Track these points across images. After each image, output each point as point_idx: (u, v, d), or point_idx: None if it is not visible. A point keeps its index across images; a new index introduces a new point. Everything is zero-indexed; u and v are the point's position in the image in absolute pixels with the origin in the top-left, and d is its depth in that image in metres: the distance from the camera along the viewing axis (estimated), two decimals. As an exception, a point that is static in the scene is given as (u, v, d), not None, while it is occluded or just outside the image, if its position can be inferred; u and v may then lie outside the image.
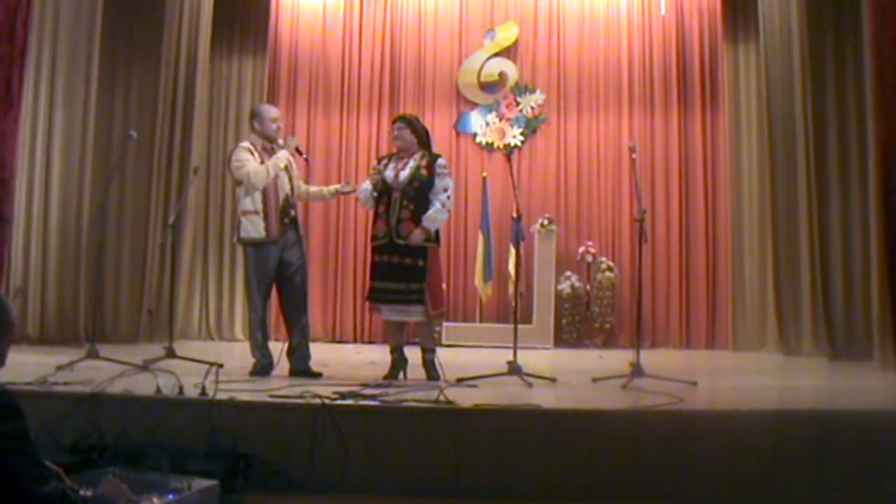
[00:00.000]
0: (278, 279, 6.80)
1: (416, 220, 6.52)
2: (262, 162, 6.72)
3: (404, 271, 6.52)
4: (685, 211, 11.28)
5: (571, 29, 11.76)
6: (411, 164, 6.66)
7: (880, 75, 7.82)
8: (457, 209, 11.35)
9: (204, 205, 11.23)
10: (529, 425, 4.88)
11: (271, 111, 7.08)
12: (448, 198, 6.63)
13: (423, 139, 6.83)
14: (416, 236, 6.48)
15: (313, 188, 7.33)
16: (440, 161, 6.75)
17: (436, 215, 6.56)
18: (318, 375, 6.63)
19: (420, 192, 6.58)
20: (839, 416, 5.02)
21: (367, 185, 6.77)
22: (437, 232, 6.67)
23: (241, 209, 6.79)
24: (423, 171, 6.61)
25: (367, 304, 6.96)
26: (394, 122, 6.94)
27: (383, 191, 6.63)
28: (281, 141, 6.91)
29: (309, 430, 4.77)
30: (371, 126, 11.80)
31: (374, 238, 6.71)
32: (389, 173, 6.65)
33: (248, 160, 6.71)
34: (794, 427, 4.84)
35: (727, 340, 10.67)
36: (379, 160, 6.94)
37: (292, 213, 6.82)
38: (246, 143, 6.90)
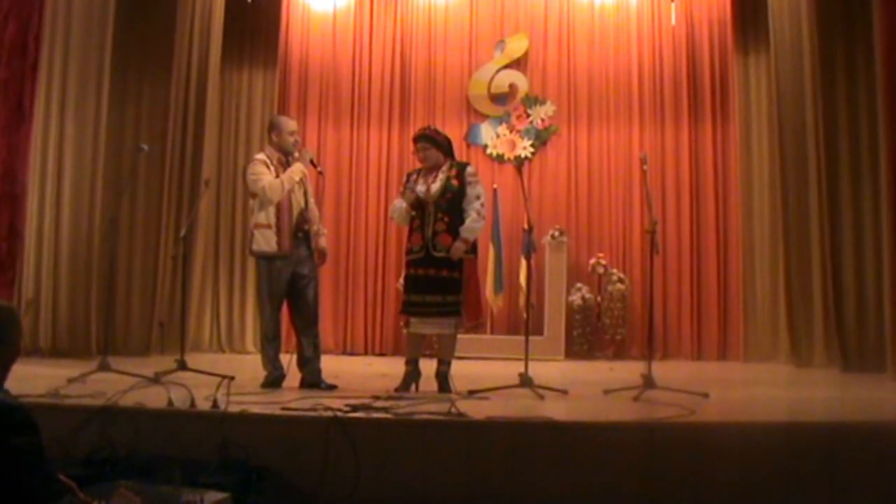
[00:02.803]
0: (290, 292, 6.79)
1: (452, 232, 6.52)
2: (278, 175, 6.71)
3: (441, 284, 6.51)
4: (696, 222, 11.28)
5: (581, 40, 11.79)
6: (440, 176, 6.66)
7: (892, 85, 7.81)
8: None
9: (215, 217, 11.26)
10: (541, 438, 4.86)
11: (290, 124, 7.05)
12: (482, 205, 6.64)
13: (447, 150, 6.84)
14: (458, 249, 6.48)
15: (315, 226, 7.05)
16: (469, 170, 6.79)
17: (472, 225, 6.57)
18: (332, 388, 6.61)
19: (453, 203, 6.59)
20: (851, 428, 4.99)
21: (399, 203, 6.76)
22: (473, 242, 6.68)
23: (255, 222, 6.77)
24: (454, 182, 6.63)
25: (402, 317, 6.90)
26: (416, 141, 6.88)
27: (416, 205, 6.64)
28: (297, 154, 6.91)
29: (321, 442, 4.75)
30: (381, 138, 11.83)
31: (409, 252, 6.70)
32: (421, 188, 6.66)
33: (263, 173, 6.70)
34: (806, 439, 4.81)
35: (739, 352, 10.65)
36: (408, 177, 6.93)
37: (306, 227, 6.80)
38: (261, 156, 6.89)
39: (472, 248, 6.67)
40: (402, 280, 7.34)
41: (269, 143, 7.01)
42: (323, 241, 7.01)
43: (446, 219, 6.54)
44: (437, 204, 6.59)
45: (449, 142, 6.93)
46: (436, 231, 6.54)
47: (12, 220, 8.59)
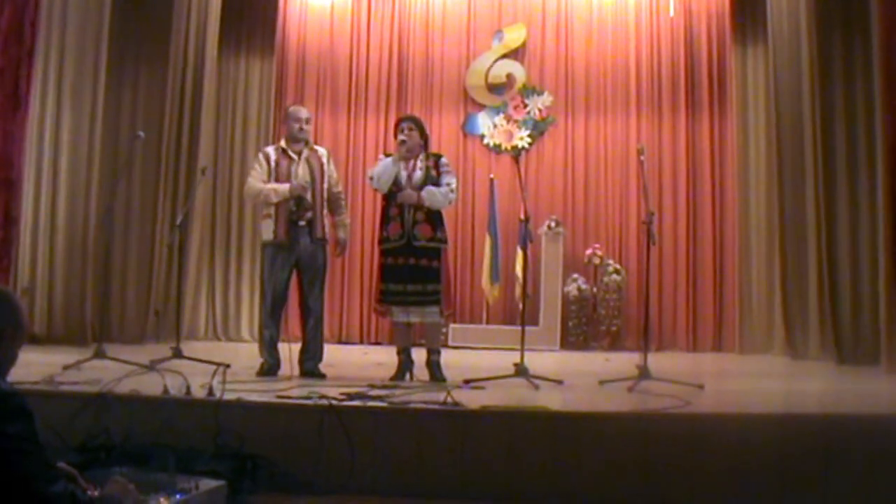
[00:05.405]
0: (298, 280, 6.87)
1: (431, 222, 6.55)
2: (278, 166, 6.80)
3: (421, 273, 6.52)
4: (692, 213, 11.28)
5: (579, 31, 11.78)
6: (420, 165, 6.67)
7: (889, 78, 7.81)
8: (464, 211, 11.37)
9: (211, 205, 11.25)
10: (536, 427, 4.87)
11: (299, 112, 7.09)
12: (451, 191, 6.65)
13: (426, 143, 6.87)
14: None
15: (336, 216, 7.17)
16: (443, 160, 6.82)
17: (437, 194, 6.55)
18: (321, 377, 6.62)
19: None
20: (846, 421, 5.00)
21: (387, 161, 6.70)
22: (444, 232, 6.68)
23: (262, 213, 6.98)
24: (433, 172, 6.65)
25: (376, 307, 6.90)
26: (402, 120, 6.90)
27: (395, 191, 6.62)
28: (306, 151, 6.91)
29: (316, 431, 4.76)
30: (378, 127, 11.81)
31: (384, 241, 6.67)
32: (402, 173, 6.64)
33: (254, 170, 6.94)
34: (801, 431, 4.81)
35: (734, 343, 10.66)
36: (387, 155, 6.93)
37: (308, 215, 6.79)
38: (268, 149, 7.08)
39: (444, 238, 6.68)
40: None
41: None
42: (342, 232, 7.06)
43: (425, 208, 6.55)
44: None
45: (428, 138, 6.96)
46: (416, 221, 6.54)
47: (8, 207, 8.55)
